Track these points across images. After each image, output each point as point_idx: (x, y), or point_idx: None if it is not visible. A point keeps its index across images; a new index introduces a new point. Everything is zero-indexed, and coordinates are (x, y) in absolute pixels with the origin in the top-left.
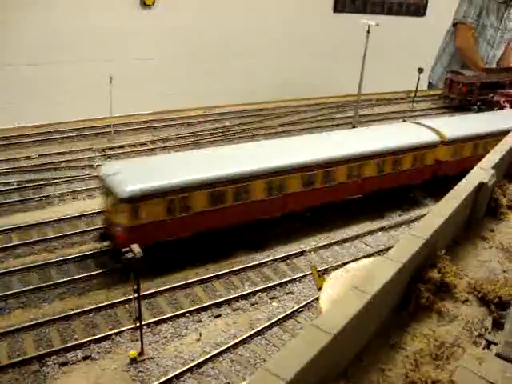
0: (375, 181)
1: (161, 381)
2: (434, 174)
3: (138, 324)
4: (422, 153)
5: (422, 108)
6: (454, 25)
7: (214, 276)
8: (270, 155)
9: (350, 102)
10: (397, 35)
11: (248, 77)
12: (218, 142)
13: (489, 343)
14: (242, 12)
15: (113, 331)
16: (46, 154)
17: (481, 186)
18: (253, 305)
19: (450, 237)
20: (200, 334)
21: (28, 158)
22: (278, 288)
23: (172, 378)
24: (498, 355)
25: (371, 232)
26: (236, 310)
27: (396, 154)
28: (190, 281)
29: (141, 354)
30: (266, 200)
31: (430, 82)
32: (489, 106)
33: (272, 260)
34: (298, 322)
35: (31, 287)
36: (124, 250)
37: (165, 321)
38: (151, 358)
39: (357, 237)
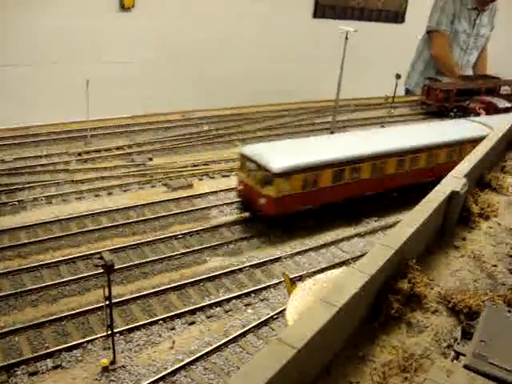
0: (445, 167)
1: None
2: None
3: (109, 332)
4: None
5: (400, 114)
6: (429, 32)
7: (189, 283)
8: (374, 142)
9: (329, 108)
10: (376, 41)
11: (227, 81)
12: (197, 147)
13: (457, 354)
14: (222, 17)
15: (84, 339)
16: (20, 158)
17: (453, 195)
18: (227, 312)
19: (423, 246)
20: (173, 342)
21: (2, 161)
22: (252, 295)
23: None
24: (465, 367)
25: (347, 238)
26: (210, 317)
27: (462, 144)
28: (164, 287)
29: (113, 362)
30: (370, 179)
31: (407, 89)
32: (465, 112)
33: (247, 266)
34: (273, 330)
35: (2, 294)
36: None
37: (138, 328)
38: (123, 367)
39: (333, 243)
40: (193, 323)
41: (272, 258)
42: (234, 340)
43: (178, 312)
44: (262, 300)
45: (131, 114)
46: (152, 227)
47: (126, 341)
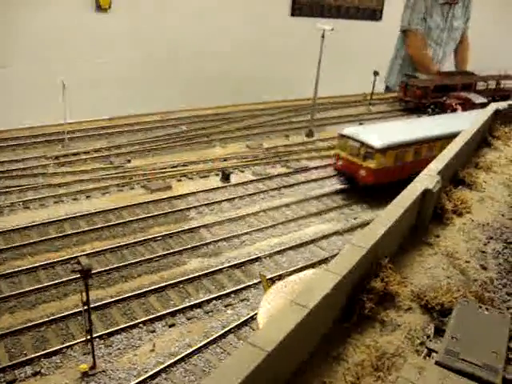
0: None
1: None
2: None
3: (88, 337)
4: None
5: (378, 111)
6: (404, 32)
7: (169, 285)
8: (438, 125)
9: (307, 106)
10: (354, 39)
11: (205, 81)
12: (175, 148)
13: (430, 351)
14: (199, 16)
15: (64, 345)
16: None
17: (426, 193)
18: (207, 313)
19: (396, 244)
20: (154, 345)
21: None
22: (232, 295)
23: None
24: (437, 363)
25: (326, 236)
26: (190, 318)
27: None
28: (143, 290)
29: (93, 367)
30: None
31: (387, 86)
32: (442, 108)
33: (227, 267)
34: (253, 330)
35: None
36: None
37: (118, 332)
38: (103, 371)
39: (312, 241)
40: (173, 325)
41: (251, 257)
42: (215, 341)
43: (158, 314)
44: (241, 300)
45: (110, 116)
46: (131, 230)
47: (106, 345)
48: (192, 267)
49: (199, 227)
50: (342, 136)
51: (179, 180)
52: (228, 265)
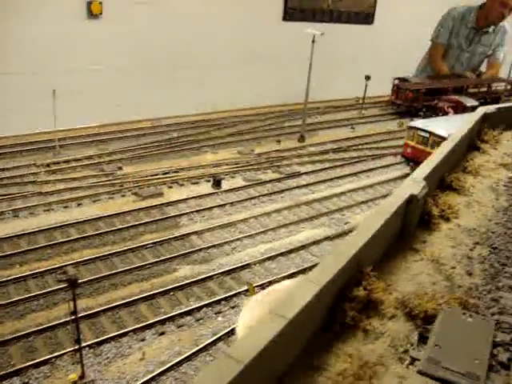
0: None
1: None
2: None
3: (77, 346)
4: None
5: (370, 114)
6: (431, 42)
7: (159, 292)
8: None
9: (300, 111)
10: (346, 43)
11: (197, 87)
12: (166, 154)
13: (413, 360)
14: (191, 21)
15: (52, 355)
16: None
17: (411, 199)
18: (198, 320)
19: (381, 251)
20: (143, 353)
21: None
22: (223, 302)
23: None
24: (419, 372)
25: (316, 242)
26: (181, 326)
27: None
28: (133, 298)
29: (82, 377)
30: None
31: None
32: (433, 111)
33: (217, 274)
34: (231, 341)
35: None
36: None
37: (107, 341)
38: (92, 381)
39: (302, 247)
40: (163, 333)
41: (242, 264)
42: (205, 349)
43: (148, 323)
44: (232, 307)
45: (101, 123)
46: (122, 237)
47: (96, 354)
48: (182, 274)
49: (190, 234)
50: (411, 127)
51: (170, 187)
52: (219, 271)
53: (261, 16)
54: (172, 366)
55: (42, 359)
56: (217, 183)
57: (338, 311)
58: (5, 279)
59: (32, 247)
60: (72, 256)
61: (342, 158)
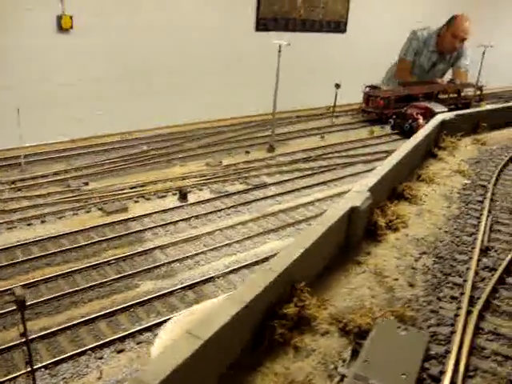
0: None
1: None
2: None
3: (29, 368)
4: None
5: (342, 123)
6: (399, 60)
7: (120, 309)
8: None
9: (270, 121)
10: (319, 51)
11: (166, 99)
12: (134, 168)
13: (342, 377)
14: (165, 33)
15: (7, 377)
16: None
17: (353, 211)
18: (157, 336)
19: (321, 265)
20: (101, 372)
21: None
22: None
23: None
24: None
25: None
26: (140, 343)
27: None
28: (93, 316)
29: None
30: None
31: None
32: (403, 118)
33: (179, 288)
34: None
35: None
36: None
37: (64, 360)
38: None
39: (267, 258)
40: (122, 351)
41: (205, 277)
42: None
43: (107, 340)
44: None
45: (70, 138)
46: (84, 254)
47: (52, 375)
48: (144, 290)
49: (153, 249)
50: None
51: (136, 201)
52: (181, 286)
53: (234, 27)
54: None
55: None
56: (183, 196)
57: (267, 329)
58: None
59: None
60: (33, 274)
61: (311, 167)
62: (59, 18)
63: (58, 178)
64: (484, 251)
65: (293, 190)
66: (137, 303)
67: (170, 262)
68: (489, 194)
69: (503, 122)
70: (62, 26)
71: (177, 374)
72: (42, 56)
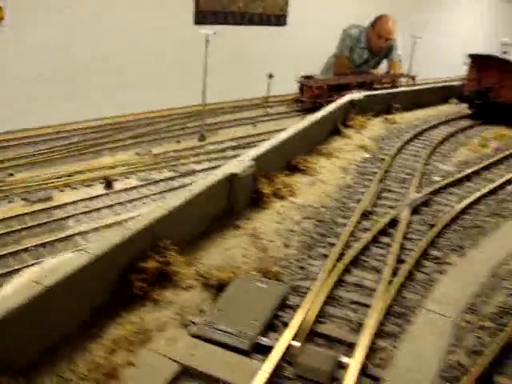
0: None
1: None
2: None
3: None
4: None
5: (276, 112)
6: (335, 56)
7: None
8: None
9: (204, 112)
10: (258, 44)
11: (100, 92)
12: (63, 159)
13: (194, 324)
14: (103, 28)
15: None
16: None
17: (232, 177)
18: None
19: (198, 228)
20: None
21: None
22: None
23: None
24: (192, 335)
25: None
26: None
27: None
28: None
29: None
30: None
31: None
32: None
33: None
34: None
35: None
36: None
37: None
38: None
39: None
40: None
41: None
42: None
43: None
44: None
45: (2, 130)
46: (3, 242)
47: None
48: None
49: (74, 235)
50: None
51: (62, 190)
52: None
53: (172, 20)
54: None
55: None
56: (108, 184)
57: (126, 282)
58: None
59: None
60: None
61: (239, 154)
62: None
63: None
64: (365, 215)
65: None
66: None
67: None
68: (383, 166)
69: (416, 104)
70: None
71: (21, 319)
72: None
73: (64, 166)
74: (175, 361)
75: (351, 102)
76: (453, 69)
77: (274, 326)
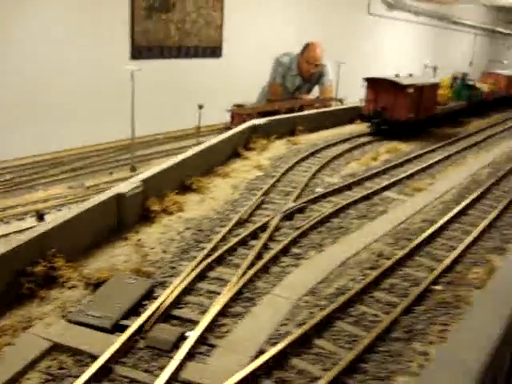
0: None
1: None
2: None
3: None
4: None
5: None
6: (269, 85)
7: None
8: None
9: (140, 144)
10: (195, 76)
11: (42, 127)
12: None
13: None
14: (40, 61)
15: None
16: None
17: (120, 197)
18: None
19: (88, 240)
20: None
21: None
22: None
23: None
24: (66, 320)
25: None
26: None
27: None
28: None
29: None
30: None
31: None
32: None
33: None
34: None
35: None
36: None
37: None
38: None
39: None
40: None
41: None
42: None
43: None
44: None
45: None
46: None
47: None
48: None
49: None
50: None
51: None
52: None
53: (108, 56)
54: None
55: None
56: (40, 217)
57: (16, 285)
58: None
59: None
60: None
61: None
62: None
63: None
64: (241, 223)
65: None
66: None
67: None
68: (272, 181)
69: (323, 125)
70: None
71: None
72: None
73: None
74: (48, 339)
75: (254, 126)
76: None
77: (136, 311)
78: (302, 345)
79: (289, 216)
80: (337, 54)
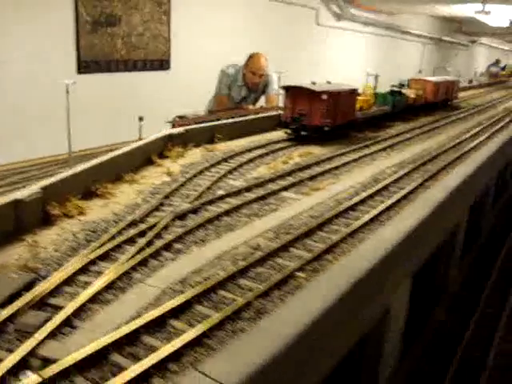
0: None
1: None
2: None
3: None
4: None
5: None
6: (215, 96)
7: None
8: None
9: (70, 158)
10: (141, 89)
11: None
12: None
13: None
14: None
15: None
16: None
17: (17, 202)
18: None
19: None
20: None
21: None
22: None
23: None
24: None
25: None
26: None
27: None
28: None
29: None
30: None
31: None
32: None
33: None
34: None
35: None
36: None
37: None
38: None
39: None
40: None
41: None
42: None
43: None
44: None
45: None
46: None
47: None
48: None
49: None
50: None
51: None
52: None
53: (56, 70)
54: None
55: None
56: None
57: None
58: None
59: None
60: None
61: None
62: None
63: None
64: (134, 224)
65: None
66: None
67: None
68: (176, 186)
69: (244, 132)
70: None
71: None
72: None
73: None
74: None
75: (169, 135)
76: None
77: (12, 301)
78: (157, 325)
79: (181, 216)
80: (285, 65)
